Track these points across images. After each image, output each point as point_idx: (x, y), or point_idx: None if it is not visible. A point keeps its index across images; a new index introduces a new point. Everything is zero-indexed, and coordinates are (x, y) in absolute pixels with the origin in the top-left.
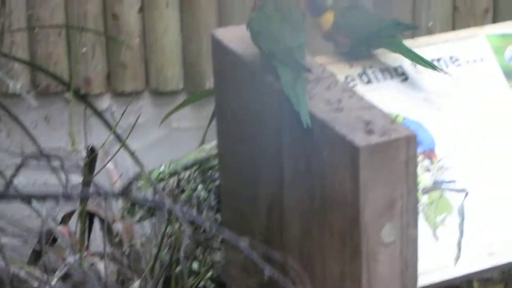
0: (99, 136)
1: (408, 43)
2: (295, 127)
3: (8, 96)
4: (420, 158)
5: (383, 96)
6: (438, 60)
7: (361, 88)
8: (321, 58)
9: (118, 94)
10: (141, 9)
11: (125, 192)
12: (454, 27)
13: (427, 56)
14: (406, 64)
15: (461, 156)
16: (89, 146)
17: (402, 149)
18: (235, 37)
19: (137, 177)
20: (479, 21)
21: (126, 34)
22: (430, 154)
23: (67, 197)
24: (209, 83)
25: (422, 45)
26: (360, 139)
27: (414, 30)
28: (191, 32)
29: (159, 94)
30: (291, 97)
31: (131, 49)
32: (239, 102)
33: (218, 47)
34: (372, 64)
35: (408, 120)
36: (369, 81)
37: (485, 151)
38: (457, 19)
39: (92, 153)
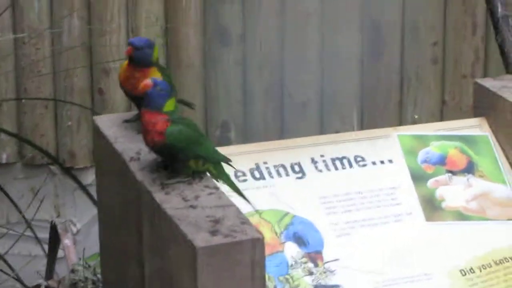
0: (84, 209)
1: (313, 139)
2: (153, 222)
3: None
4: (303, 259)
5: (275, 193)
6: (342, 158)
7: (250, 184)
8: None
9: None
10: None
11: None
12: (441, 120)
13: (332, 155)
14: (305, 161)
15: (349, 259)
16: (51, 221)
17: (247, 251)
18: (114, 124)
19: None
20: (466, 116)
21: (112, 109)
22: (315, 256)
23: None
24: None
25: (328, 142)
26: (201, 239)
27: None
28: None
29: None
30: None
31: None
32: (112, 191)
33: (96, 133)
34: (266, 160)
35: (298, 219)
36: (261, 177)
37: (375, 255)
38: (444, 113)
39: (54, 230)
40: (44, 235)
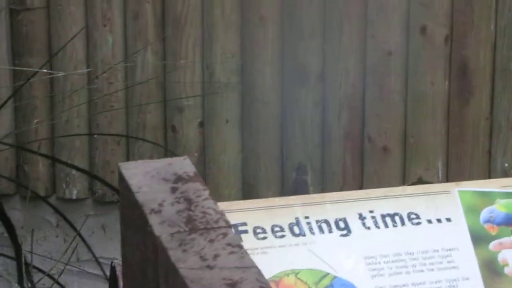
0: None
1: (363, 193)
2: (168, 283)
3: (65, 201)
4: None
5: (315, 251)
6: (394, 215)
7: (288, 240)
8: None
9: None
10: (201, 124)
11: None
12: None
13: (382, 211)
14: (351, 216)
15: None
16: (111, 262)
17: None
18: (140, 172)
19: None
20: None
21: (185, 148)
22: None
23: None
24: None
25: (379, 197)
26: None
27: None
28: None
29: None
30: None
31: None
32: (134, 245)
33: (121, 181)
34: (308, 214)
35: (339, 281)
36: (301, 233)
37: None
38: None
39: (113, 271)
40: None
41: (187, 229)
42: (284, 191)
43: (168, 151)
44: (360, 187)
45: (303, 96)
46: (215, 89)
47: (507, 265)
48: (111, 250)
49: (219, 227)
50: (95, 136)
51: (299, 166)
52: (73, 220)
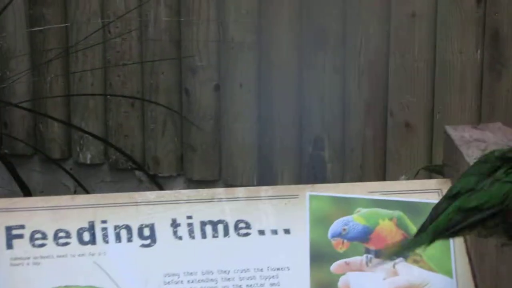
0: None
1: (187, 194)
2: None
3: (82, 166)
4: None
5: (101, 264)
6: (217, 223)
7: (72, 249)
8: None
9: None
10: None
11: None
12: None
13: (203, 217)
14: (162, 223)
15: None
16: None
17: None
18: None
19: None
20: None
21: (199, 112)
22: None
23: None
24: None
25: (206, 199)
26: None
27: None
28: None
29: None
30: None
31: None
32: None
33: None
34: (107, 218)
35: None
36: (90, 241)
37: None
38: None
39: None
40: None
41: None
42: (302, 168)
43: (183, 117)
44: (383, 166)
45: (321, 61)
46: (229, 49)
47: None
48: None
49: None
50: (108, 97)
51: (316, 139)
52: (90, 186)
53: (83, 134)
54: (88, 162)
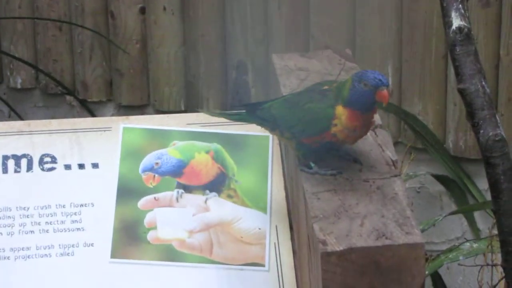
0: None
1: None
2: None
3: (14, 91)
4: None
5: None
6: (21, 157)
7: None
8: None
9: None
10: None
11: None
12: None
13: (6, 150)
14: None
15: None
16: None
17: None
18: None
19: None
20: None
21: (124, 36)
22: None
23: None
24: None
25: (14, 133)
26: None
27: None
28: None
29: None
30: None
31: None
32: None
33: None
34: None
35: None
36: None
37: None
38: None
39: None
40: None
41: None
42: (227, 92)
43: (110, 42)
44: None
45: None
46: None
47: (153, 228)
48: None
49: None
50: (36, 20)
51: (239, 64)
52: (24, 111)
53: (11, 58)
54: (19, 86)
